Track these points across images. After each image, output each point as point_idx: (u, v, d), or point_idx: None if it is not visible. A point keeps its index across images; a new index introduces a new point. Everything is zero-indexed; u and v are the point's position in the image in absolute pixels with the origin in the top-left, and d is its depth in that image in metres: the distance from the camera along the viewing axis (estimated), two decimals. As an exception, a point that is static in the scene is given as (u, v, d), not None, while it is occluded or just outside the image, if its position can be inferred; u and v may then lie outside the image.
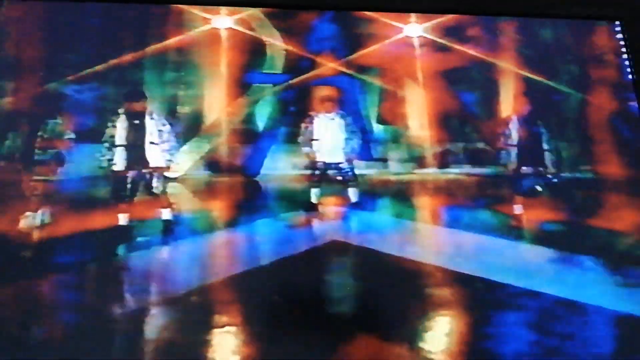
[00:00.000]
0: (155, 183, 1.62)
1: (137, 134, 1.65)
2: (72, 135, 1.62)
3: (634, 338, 1.56)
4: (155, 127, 1.66)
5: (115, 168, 1.61)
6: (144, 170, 1.63)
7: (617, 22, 1.99)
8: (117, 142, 1.63)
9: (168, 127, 1.67)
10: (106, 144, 1.62)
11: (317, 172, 1.71)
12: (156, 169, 1.64)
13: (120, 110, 1.67)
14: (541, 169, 1.79)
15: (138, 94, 1.69)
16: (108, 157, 1.61)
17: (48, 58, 1.70)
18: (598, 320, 1.57)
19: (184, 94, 1.71)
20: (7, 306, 1.41)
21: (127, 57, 1.72)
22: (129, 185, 1.60)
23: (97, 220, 1.53)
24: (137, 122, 1.66)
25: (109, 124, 1.64)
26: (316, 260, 1.57)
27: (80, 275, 1.46)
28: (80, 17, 1.76)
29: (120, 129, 1.64)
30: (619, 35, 1.97)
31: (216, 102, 1.72)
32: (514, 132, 1.82)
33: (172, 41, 1.76)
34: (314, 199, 1.68)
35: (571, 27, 1.97)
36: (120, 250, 1.52)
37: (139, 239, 1.54)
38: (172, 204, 1.60)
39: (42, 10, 1.75)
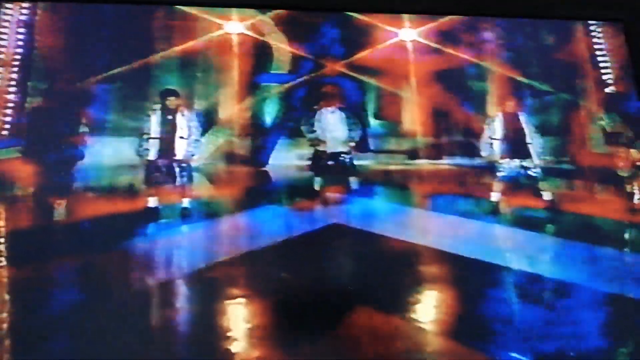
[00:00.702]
0: (181, 173, 1.79)
1: (169, 128, 1.82)
2: (87, 129, 1.76)
3: (605, 311, 1.74)
4: (185, 123, 1.83)
5: (149, 157, 1.78)
6: (172, 161, 1.80)
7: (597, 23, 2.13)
8: (152, 135, 1.80)
9: (196, 123, 1.83)
10: (145, 136, 1.79)
11: (320, 161, 1.87)
12: (182, 160, 1.81)
13: (156, 107, 1.83)
14: (524, 160, 1.96)
15: (173, 92, 1.85)
16: (145, 147, 1.78)
17: (77, 60, 1.85)
18: (575, 295, 1.74)
19: (200, 92, 1.87)
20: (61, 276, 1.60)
21: (148, 59, 1.87)
22: (158, 174, 1.77)
23: (128, 204, 1.71)
24: (170, 117, 1.83)
25: (146, 118, 1.81)
26: (318, 241, 1.74)
27: (111, 253, 1.64)
28: (105, 23, 1.90)
29: (154, 123, 1.80)
30: (598, 37, 2.12)
31: (229, 99, 1.88)
32: (499, 128, 1.99)
33: (188, 45, 1.91)
34: (316, 187, 1.84)
35: (554, 29, 2.12)
36: (150, 229, 1.69)
37: (164, 220, 1.71)
38: (192, 193, 1.77)
39: (71, 15, 1.89)
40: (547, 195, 1.90)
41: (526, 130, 1.99)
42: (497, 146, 1.95)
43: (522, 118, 2.00)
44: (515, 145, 1.97)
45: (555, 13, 2.13)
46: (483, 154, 1.94)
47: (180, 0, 1.95)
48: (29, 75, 1.80)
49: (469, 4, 2.09)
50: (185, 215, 1.74)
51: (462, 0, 2.10)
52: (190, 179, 1.79)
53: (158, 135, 1.81)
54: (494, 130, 1.97)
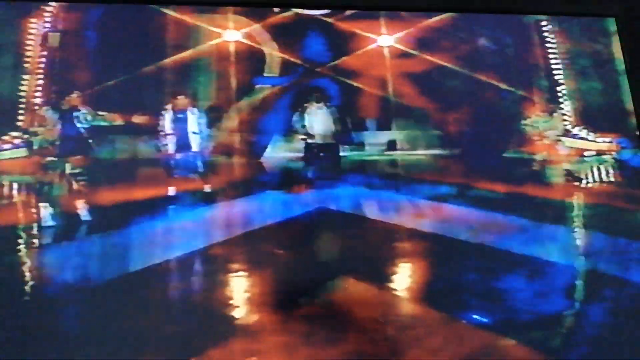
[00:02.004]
0: (199, 164, 2.03)
1: (181, 125, 2.06)
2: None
3: (556, 279, 2.01)
4: (195, 119, 2.07)
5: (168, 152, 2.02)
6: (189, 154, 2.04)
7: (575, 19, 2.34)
8: (167, 132, 2.03)
9: (205, 120, 2.07)
10: (161, 133, 2.02)
11: (311, 153, 2.10)
12: (199, 152, 2.04)
13: (168, 107, 2.06)
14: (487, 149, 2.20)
15: (181, 93, 2.08)
16: (163, 142, 2.02)
17: (92, 66, 2.07)
18: (530, 266, 2.01)
19: (202, 94, 2.10)
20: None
21: (157, 65, 2.10)
22: (178, 165, 2.01)
23: (146, 193, 1.95)
24: (180, 115, 2.06)
25: (160, 118, 2.04)
26: (308, 222, 1.99)
27: (129, 234, 1.88)
28: (116, 31, 2.12)
29: (168, 121, 2.04)
30: (551, 35, 2.35)
31: (227, 100, 2.11)
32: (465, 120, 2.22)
33: (190, 52, 2.14)
34: (306, 176, 2.08)
35: (512, 29, 2.34)
36: (165, 214, 1.94)
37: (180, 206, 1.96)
38: (209, 181, 2.01)
39: (85, 27, 2.12)
40: (507, 181, 2.15)
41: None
42: (466, 137, 2.19)
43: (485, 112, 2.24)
44: (479, 136, 2.21)
45: (546, 9, 2.29)
46: (453, 144, 2.17)
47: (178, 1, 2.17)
48: (52, 81, 2.03)
49: (467, 2, 2.28)
50: (206, 199, 1.97)
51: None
52: (207, 169, 2.03)
53: (171, 132, 2.04)
54: (462, 123, 2.20)
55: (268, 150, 2.09)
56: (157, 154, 2.01)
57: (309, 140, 2.13)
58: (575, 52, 2.34)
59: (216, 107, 2.11)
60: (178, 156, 2.04)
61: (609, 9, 2.30)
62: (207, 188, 2.00)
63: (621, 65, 2.33)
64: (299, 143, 2.12)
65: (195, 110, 2.09)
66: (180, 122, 2.06)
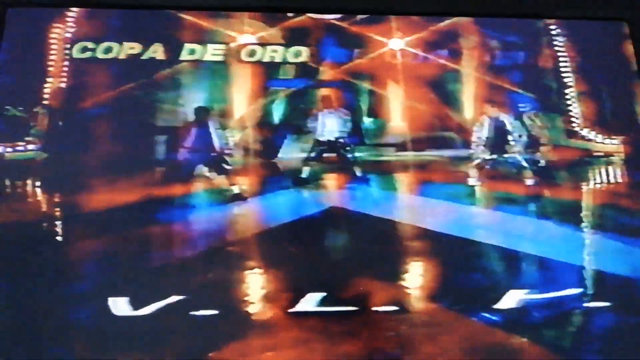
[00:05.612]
0: (226, 166, 2.10)
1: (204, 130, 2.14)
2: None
3: (566, 278, 2.03)
4: (214, 129, 2.14)
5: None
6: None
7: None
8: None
9: (220, 122, 2.13)
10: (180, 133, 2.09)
11: (323, 154, 2.16)
12: (214, 154, 2.12)
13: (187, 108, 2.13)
14: (504, 153, 2.24)
15: (205, 109, 2.15)
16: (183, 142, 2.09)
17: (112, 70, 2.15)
18: (540, 265, 2.03)
19: (219, 96, 2.16)
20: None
21: (174, 69, 2.17)
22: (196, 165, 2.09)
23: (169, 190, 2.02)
24: (205, 128, 2.13)
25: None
26: (321, 221, 2.04)
27: (149, 230, 1.95)
28: (135, 35, 2.20)
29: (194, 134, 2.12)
30: (562, 39, 2.39)
31: (243, 101, 2.17)
32: (487, 130, 2.25)
33: (207, 54, 2.21)
34: (319, 176, 2.12)
35: (523, 32, 2.38)
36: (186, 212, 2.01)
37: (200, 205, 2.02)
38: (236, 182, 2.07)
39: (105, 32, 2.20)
40: (529, 181, 2.18)
41: (510, 131, 2.26)
42: (486, 145, 2.22)
43: (505, 120, 2.27)
44: (500, 144, 2.25)
45: (558, 13, 2.30)
46: (469, 144, 2.20)
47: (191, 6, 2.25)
48: (74, 83, 2.10)
49: (478, 6, 2.31)
50: (232, 200, 2.04)
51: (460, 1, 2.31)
52: (223, 169, 2.09)
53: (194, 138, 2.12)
54: (483, 133, 2.23)
55: (282, 151, 2.14)
56: (177, 153, 2.08)
57: (321, 141, 2.18)
58: (584, 54, 2.37)
59: (232, 109, 2.16)
60: (197, 156, 2.10)
61: (621, 12, 2.32)
62: (224, 187, 2.06)
63: (630, 68, 2.35)
64: (311, 144, 2.17)
65: (215, 121, 2.14)
66: (205, 135, 2.13)
